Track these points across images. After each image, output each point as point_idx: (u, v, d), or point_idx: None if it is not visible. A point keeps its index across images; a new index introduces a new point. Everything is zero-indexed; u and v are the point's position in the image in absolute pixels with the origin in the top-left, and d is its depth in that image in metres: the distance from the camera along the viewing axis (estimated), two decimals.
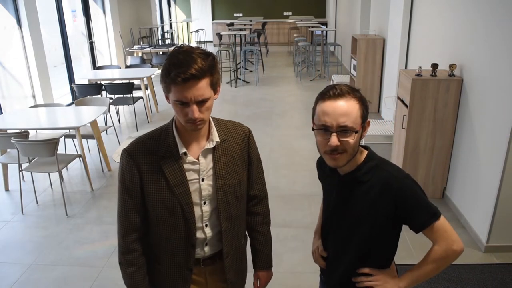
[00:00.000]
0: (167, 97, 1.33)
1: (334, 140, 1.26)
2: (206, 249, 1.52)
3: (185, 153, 1.40)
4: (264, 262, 1.71)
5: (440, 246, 1.33)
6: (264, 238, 1.69)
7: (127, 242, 1.47)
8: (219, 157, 1.45)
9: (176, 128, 1.41)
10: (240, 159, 1.50)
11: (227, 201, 1.48)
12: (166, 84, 1.28)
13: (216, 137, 1.44)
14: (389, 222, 1.37)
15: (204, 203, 1.45)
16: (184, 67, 1.23)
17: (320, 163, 1.56)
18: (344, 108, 1.26)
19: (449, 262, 1.35)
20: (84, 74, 6.71)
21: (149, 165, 1.39)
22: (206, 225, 1.49)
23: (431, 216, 1.32)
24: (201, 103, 1.29)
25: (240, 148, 1.51)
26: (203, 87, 1.26)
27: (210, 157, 1.44)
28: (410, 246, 3.18)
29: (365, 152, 1.40)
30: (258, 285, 1.74)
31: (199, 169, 1.42)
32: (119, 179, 1.44)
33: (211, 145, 1.43)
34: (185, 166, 1.41)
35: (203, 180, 1.43)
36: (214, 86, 1.32)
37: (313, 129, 1.34)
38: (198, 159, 1.42)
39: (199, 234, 1.48)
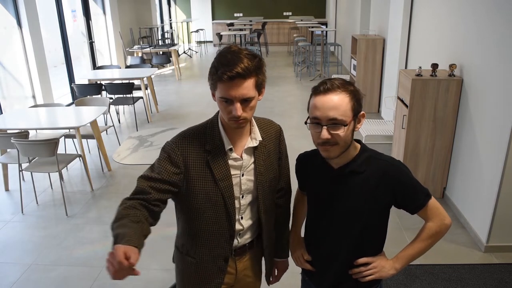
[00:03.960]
0: (213, 95, 1.38)
1: (324, 133, 1.32)
2: (240, 239, 1.59)
3: (230, 149, 1.45)
4: (282, 252, 1.78)
5: (434, 223, 1.42)
6: (284, 230, 1.76)
7: (144, 186, 1.36)
8: (259, 154, 1.51)
9: (222, 125, 1.45)
10: (274, 155, 1.57)
11: (264, 195, 1.54)
12: (213, 81, 1.33)
13: (258, 136, 1.50)
14: (387, 209, 1.44)
15: (242, 196, 1.51)
16: (231, 66, 1.27)
17: (306, 157, 1.59)
18: (333, 102, 1.30)
19: (441, 237, 1.44)
20: (84, 74, 6.71)
21: (196, 159, 1.43)
22: (242, 218, 1.55)
23: (425, 197, 1.41)
24: (245, 102, 1.33)
25: (274, 144, 1.58)
26: (248, 86, 1.31)
27: (251, 154, 1.50)
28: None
29: (359, 146, 1.45)
30: (276, 273, 1.81)
31: (242, 166, 1.48)
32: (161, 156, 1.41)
33: (254, 143, 1.48)
34: (229, 161, 1.45)
35: (243, 175, 1.49)
36: (259, 87, 1.36)
37: (305, 123, 1.38)
38: (241, 156, 1.47)
39: (235, 226, 1.54)
